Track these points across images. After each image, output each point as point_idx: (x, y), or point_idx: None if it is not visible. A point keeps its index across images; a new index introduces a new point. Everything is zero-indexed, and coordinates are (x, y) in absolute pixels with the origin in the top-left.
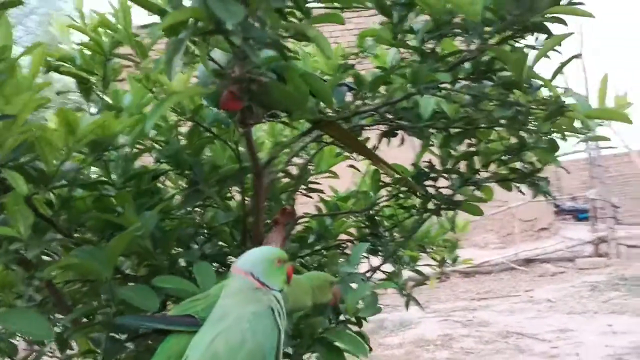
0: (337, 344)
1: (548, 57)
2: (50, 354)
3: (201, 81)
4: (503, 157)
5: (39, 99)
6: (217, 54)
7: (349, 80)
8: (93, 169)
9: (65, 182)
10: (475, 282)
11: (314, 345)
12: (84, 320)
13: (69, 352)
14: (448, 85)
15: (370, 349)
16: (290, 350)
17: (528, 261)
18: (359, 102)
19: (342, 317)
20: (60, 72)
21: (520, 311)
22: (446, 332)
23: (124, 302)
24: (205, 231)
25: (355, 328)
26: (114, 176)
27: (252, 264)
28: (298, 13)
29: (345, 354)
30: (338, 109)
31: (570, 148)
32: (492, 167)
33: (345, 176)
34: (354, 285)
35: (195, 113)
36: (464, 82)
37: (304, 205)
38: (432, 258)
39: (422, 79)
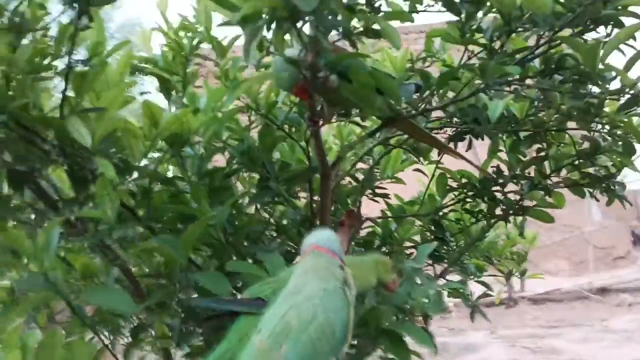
0: (403, 337)
1: (621, 50)
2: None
3: (275, 71)
4: (575, 162)
5: (126, 96)
6: (290, 51)
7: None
8: (170, 168)
9: (147, 174)
10: (545, 310)
11: (379, 337)
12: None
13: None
14: (517, 82)
15: (436, 347)
16: (355, 341)
17: (603, 290)
18: (426, 100)
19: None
20: (145, 73)
21: (595, 340)
22: (513, 357)
23: (197, 287)
24: (273, 229)
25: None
26: (189, 174)
27: (330, 242)
28: (368, 9)
29: None
30: (406, 106)
31: None
32: (564, 173)
33: (411, 184)
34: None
35: (269, 110)
36: (533, 81)
37: (370, 212)
38: (499, 270)
39: (491, 73)
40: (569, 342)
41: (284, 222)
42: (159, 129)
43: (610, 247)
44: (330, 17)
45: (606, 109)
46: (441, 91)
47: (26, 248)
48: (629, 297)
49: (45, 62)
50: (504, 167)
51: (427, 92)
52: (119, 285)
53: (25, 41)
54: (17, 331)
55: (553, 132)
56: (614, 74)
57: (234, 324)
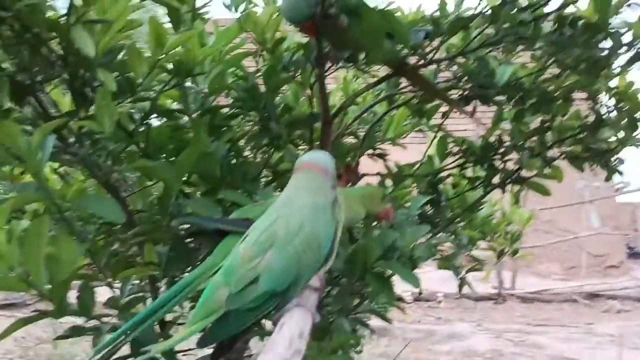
0: (389, 277)
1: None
2: None
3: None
4: (578, 135)
5: (132, 19)
6: None
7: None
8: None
9: (148, 98)
10: (533, 309)
11: (366, 275)
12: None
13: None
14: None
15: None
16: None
17: (593, 295)
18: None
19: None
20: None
21: (579, 340)
22: (497, 348)
23: (188, 215)
24: (270, 174)
25: None
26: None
27: (325, 162)
28: None
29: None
30: (413, 52)
31: None
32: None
33: (412, 154)
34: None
35: (275, 47)
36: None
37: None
38: (491, 248)
39: (503, 20)
40: (552, 339)
41: (280, 168)
42: (164, 49)
43: (604, 255)
44: None
45: (614, 83)
46: (449, 46)
47: (21, 146)
48: (617, 304)
49: None
50: (506, 138)
51: (437, 42)
52: None
53: None
54: (3, 213)
55: (559, 102)
56: (624, 30)
57: (221, 242)
